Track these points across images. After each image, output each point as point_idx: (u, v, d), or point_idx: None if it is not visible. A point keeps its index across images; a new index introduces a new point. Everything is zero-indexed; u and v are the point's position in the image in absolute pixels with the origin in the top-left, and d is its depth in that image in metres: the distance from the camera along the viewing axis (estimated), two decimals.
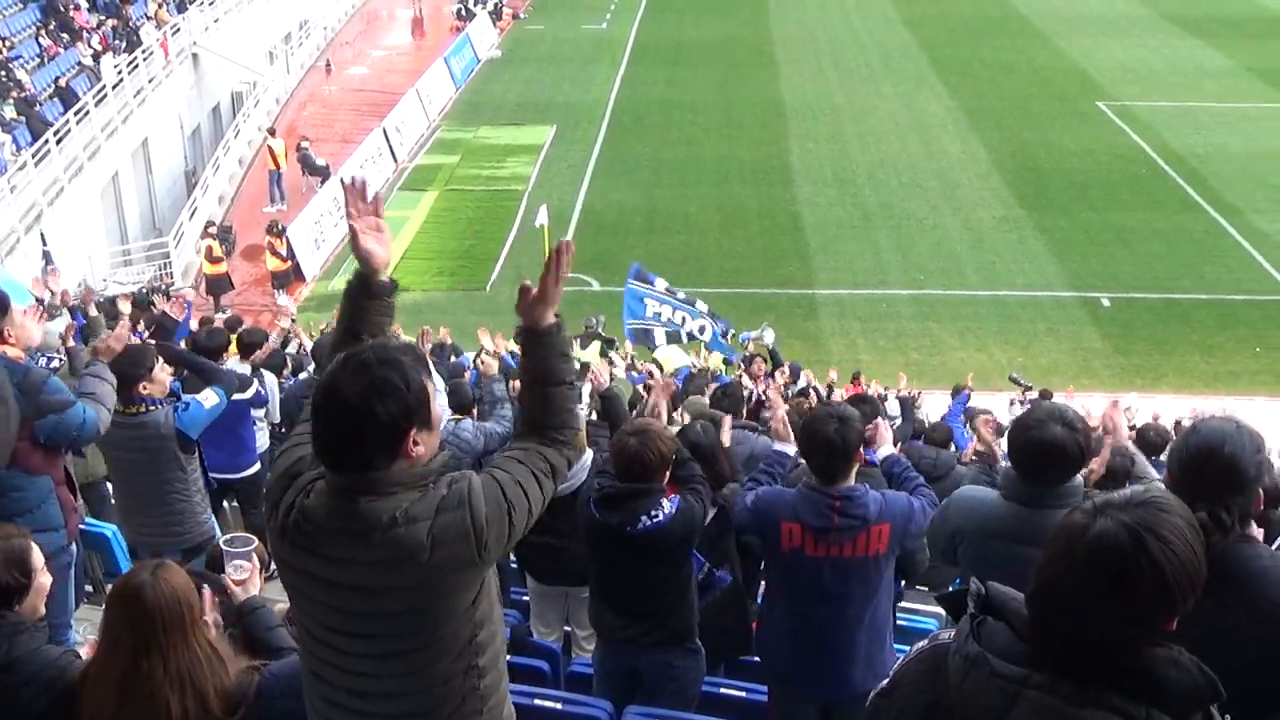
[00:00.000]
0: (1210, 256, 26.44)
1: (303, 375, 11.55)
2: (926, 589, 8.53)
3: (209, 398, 7.02)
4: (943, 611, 6.21)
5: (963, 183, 30.75)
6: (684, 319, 18.33)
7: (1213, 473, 3.24)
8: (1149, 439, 9.42)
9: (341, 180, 3.79)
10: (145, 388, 6.80)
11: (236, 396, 8.90)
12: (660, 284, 18.64)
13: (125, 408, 6.73)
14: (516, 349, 3.17)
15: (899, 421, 14.62)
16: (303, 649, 3.21)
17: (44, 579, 3.92)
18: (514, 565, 7.10)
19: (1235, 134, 34.23)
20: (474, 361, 14.85)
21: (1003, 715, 2.20)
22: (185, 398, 7.08)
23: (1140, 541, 2.12)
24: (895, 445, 6.28)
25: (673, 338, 18.52)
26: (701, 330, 18.31)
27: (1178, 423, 11.33)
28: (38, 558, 3.92)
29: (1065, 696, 2.16)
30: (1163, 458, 9.58)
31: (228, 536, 4.27)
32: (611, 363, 16.57)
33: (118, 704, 3.36)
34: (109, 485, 8.86)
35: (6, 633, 3.61)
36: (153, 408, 6.84)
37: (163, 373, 7.00)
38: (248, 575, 4.18)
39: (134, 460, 7.01)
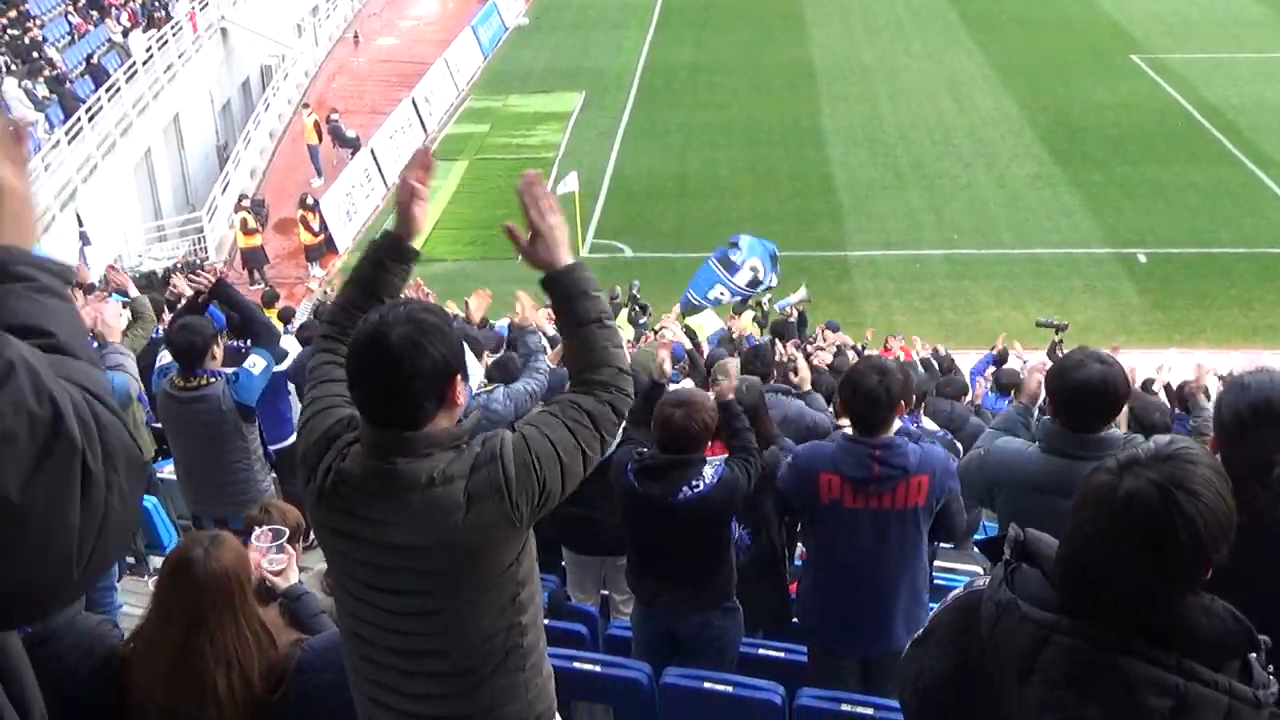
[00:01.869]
0: (1248, 209, 26.15)
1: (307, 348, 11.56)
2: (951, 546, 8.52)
3: (256, 363, 7.01)
4: (979, 570, 6.20)
5: (995, 140, 30.49)
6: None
7: (1274, 425, 3.19)
8: (1185, 394, 9.35)
9: (425, 147, 3.81)
10: (215, 356, 6.82)
11: (274, 369, 8.97)
12: (744, 276, 18.41)
13: (185, 382, 6.75)
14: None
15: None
16: (342, 612, 3.23)
17: None
18: (551, 533, 7.11)
19: (1273, 85, 33.75)
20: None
21: (1032, 659, 2.20)
22: (233, 370, 7.09)
23: (1170, 497, 2.10)
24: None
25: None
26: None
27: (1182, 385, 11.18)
28: None
29: (1095, 642, 2.16)
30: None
31: (259, 530, 4.29)
32: (640, 330, 16.60)
33: (168, 679, 3.38)
34: (150, 465, 8.96)
35: None
36: (212, 380, 6.81)
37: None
38: (285, 565, 4.20)
39: (197, 434, 7.00)
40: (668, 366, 5.99)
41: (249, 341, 7.42)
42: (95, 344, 7.91)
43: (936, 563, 6.94)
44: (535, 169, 3.26)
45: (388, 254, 3.35)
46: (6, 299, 1.71)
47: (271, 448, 9.20)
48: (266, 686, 3.42)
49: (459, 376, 2.96)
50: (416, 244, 3.39)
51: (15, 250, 1.74)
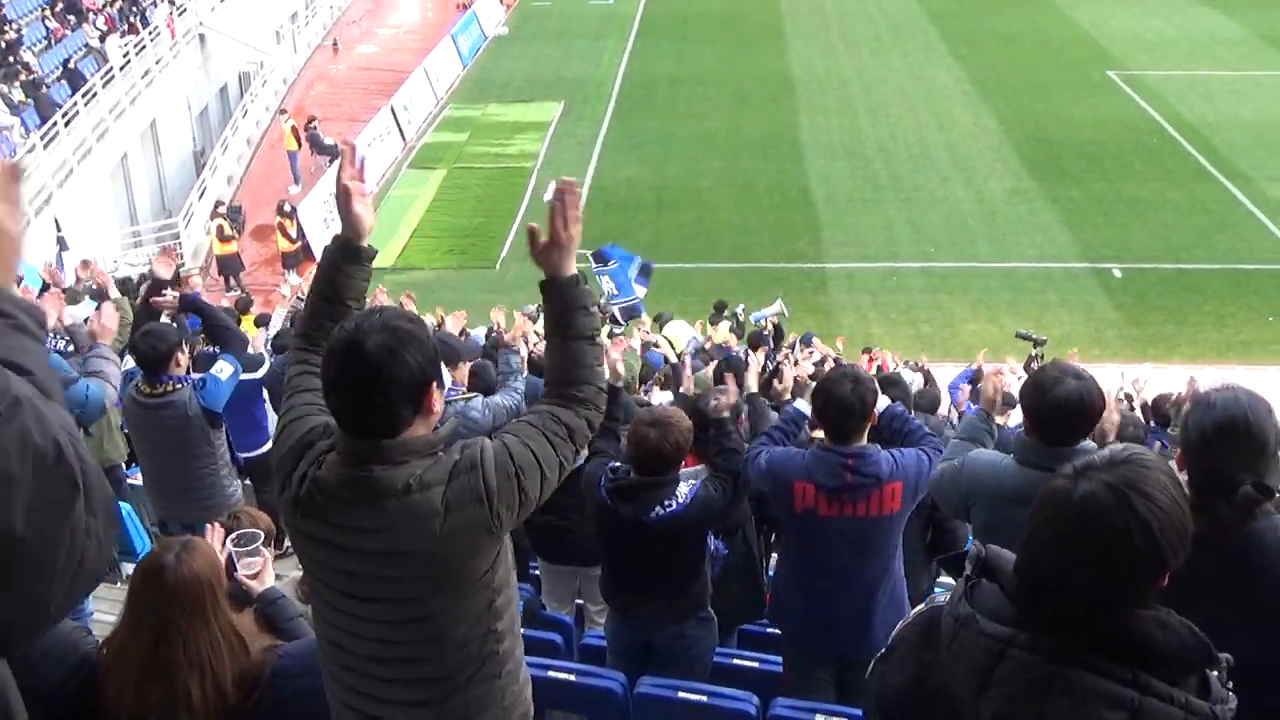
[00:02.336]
0: (1223, 226, 26.30)
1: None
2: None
3: (223, 369, 7.01)
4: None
5: (973, 154, 30.62)
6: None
7: (1238, 443, 3.22)
8: (1163, 411, 9.42)
9: (345, 140, 3.78)
10: (179, 362, 6.79)
11: (247, 376, 8.93)
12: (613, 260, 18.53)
13: (151, 388, 6.73)
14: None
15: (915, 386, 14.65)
16: (318, 619, 3.21)
17: None
18: (528, 542, 7.10)
19: (1247, 102, 34.00)
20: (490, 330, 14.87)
21: (988, 674, 2.20)
22: (200, 376, 7.08)
23: (1126, 500, 2.11)
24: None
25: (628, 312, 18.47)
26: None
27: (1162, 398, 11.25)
28: None
29: (1050, 655, 2.16)
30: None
31: (233, 535, 4.27)
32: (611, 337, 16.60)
33: (139, 685, 3.36)
34: (123, 468, 8.92)
35: None
36: (178, 386, 6.81)
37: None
38: (259, 569, 4.18)
39: (163, 440, 6.99)
40: (620, 368, 5.97)
41: (218, 348, 7.41)
42: (75, 345, 7.88)
43: (941, 579, 6.94)
44: (571, 176, 3.25)
45: (341, 258, 3.33)
46: None
47: (246, 455, 9.21)
48: (240, 694, 3.40)
49: (435, 384, 2.95)
50: (367, 242, 3.36)
51: None
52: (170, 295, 7.16)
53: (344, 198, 3.32)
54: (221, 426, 7.14)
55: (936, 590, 6.75)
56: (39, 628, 1.65)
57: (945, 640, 2.30)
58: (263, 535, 4.33)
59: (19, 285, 5.76)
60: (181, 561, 3.41)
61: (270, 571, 4.20)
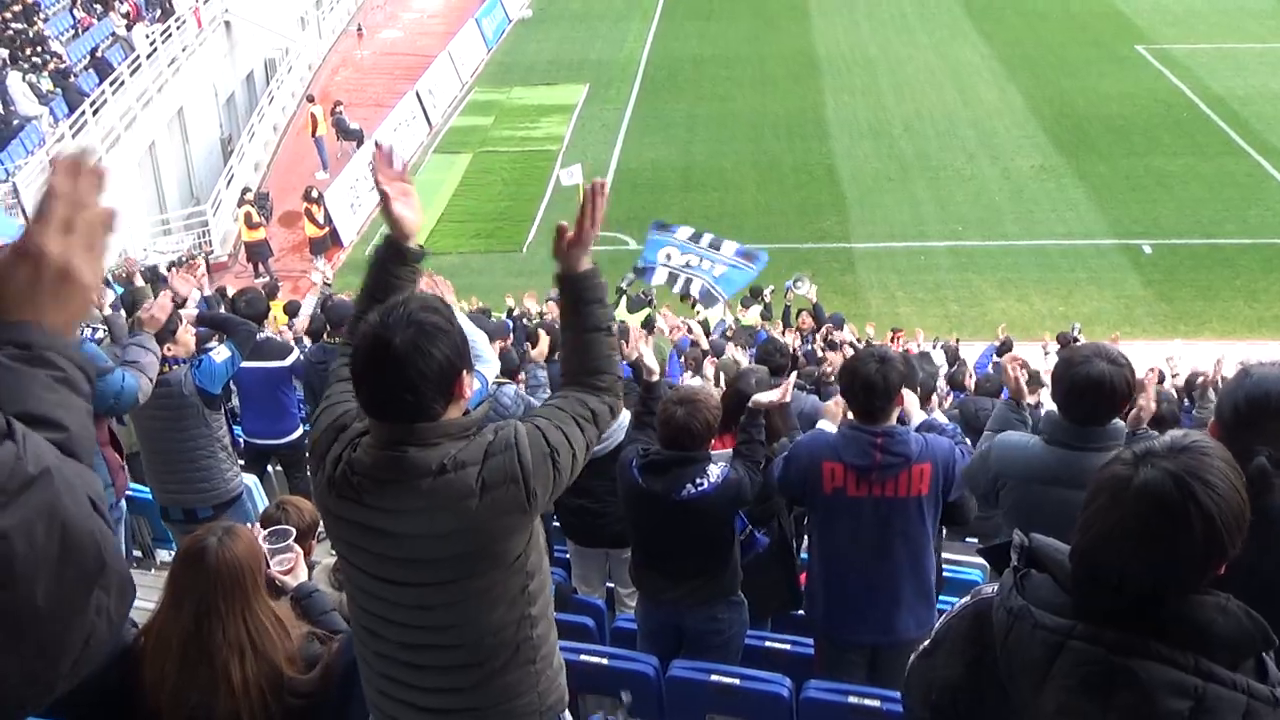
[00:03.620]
0: (1254, 200, 26.11)
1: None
2: (977, 541, 8.51)
3: (220, 352, 7.12)
4: (985, 562, 6.20)
5: (1000, 131, 30.45)
6: (692, 263, 17.86)
7: (1267, 417, 3.20)
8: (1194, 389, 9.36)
9: (377, 143, 3.80)
10: (169, 349, 6.85)
11: (275, 364, 9.00)
12: (683, 231, 18.02)
13: None
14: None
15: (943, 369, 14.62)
16: (353, 606, 3.23)
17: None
18: (555, 524, 7.13)
19: (1278, 75, 33.67)
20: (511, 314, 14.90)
21: (1047, 668, 2.18)
22: (197, 357, 7.15)
23: (1187, 488, 2.08)
24: (933, 402, 6.26)
25: (673, 280, 18.00)
26: (702, 289, 17.93)
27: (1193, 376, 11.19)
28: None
29: (1110, 646, 2.13)
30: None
31: (265, 531, 4.29)
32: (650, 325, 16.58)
33: (179, 667, 3.38)
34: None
35: None
36: (175, 367, 6.92)
37: (186, 334, 7.05)
38: (292, 565, 4.21)
39: (159, 419, 7.08)
40: (652, 363, 5.98)
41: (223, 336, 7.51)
42: (113, 335, 7.93)
43: (944, 555, 6.93)
44: (601, 178, 3.28)
45: (388, 258, 3.37)
46: (32, 385, 1.64)
47: (276, 441, 9.28)
48: (296, 669, 3.43)
49: (464, 372, 2.96)
50: (416, 242, 3.39)
51: (51, 333, 1.67)
52: (185, 327, 7.17)
53: (384, 201, 3.34)
54: (219, 409, 7.23)
55: (945, 570, 6.72)
56: (42, 699, 1.57)
57: (999, 634, 2.28)
58: (294, 531, 4.35)
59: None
60: (223, 545, 3.45)
61: (302, 567, 4.23)
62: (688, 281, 17.17)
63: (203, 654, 3.37)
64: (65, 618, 1.51)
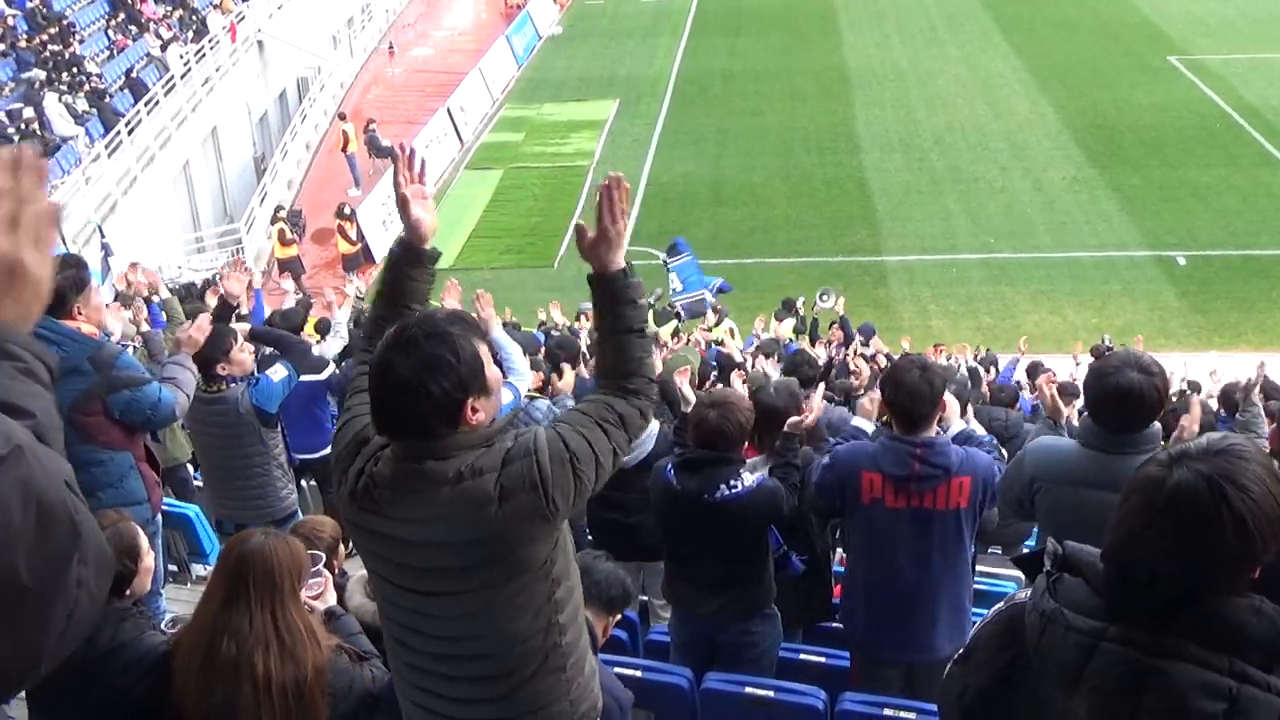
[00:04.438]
0: None
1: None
2: (1000, 551, 8.46)
3: (277, 371, 7.18)
4: (1020, 575, 6.16)
5: (1032, 144, 30.34)
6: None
7: None
8: (1232, 399, 9.28)
9: (402, 145, 3.81)
10: (224, 368, 6.94)
11: (310, 377, 9.03)
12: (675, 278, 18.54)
13: (206, 386, 6.87)
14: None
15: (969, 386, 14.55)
16: (384, 617, 3.24)
17: (149, 560, 4.03)
18: (589, 537, 7.13)
19: None
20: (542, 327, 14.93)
21: (1080, 669, 2.17)
22: (256, 374, 7.23)
23: (1220, 491, 2.07)
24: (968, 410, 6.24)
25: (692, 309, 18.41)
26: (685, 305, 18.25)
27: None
28: (143, 540, 4.03)
29: (1143, 648, 2.12)
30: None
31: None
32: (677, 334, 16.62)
33: (205, 653, 3.41)
34: (189, 468, 9.05)
35: (113, 619, 3.64)
36: (231, 385, 7.01)
37: (241, 352, 7.13)
38: (321, 590, 4.23)
39: (215, 436, 7.20)
40: (688, 392, 5.98)
41: (279, 355, 7.59)
42: (150, 352, 8.01)
43: (978, 568, 6.90)
44: (623, 174, 3.26)
45: (405, 261, 3.38)
46: None
47: (311, 455, 9.31)
48: (323, 680, 3.46)
49: (470, 400, 2.92)
50: (430, 245, 3.40)
51: (8, 328, 1.70)
52: (241, 344, 7.25)
53: (401, 203, 3.36)
54: (276, 427, 7.27)
55: (980, 582, 6.69)
56: (30, 677, 1.59)
57: (1032, 637, 2.27)
58: (325, 556, 4.37)
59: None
60: (269, 542, 3.50)
61: (331, 591, 4.24)
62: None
63: (228, 640, 3.40)
64: (47, 592, 1.53)
